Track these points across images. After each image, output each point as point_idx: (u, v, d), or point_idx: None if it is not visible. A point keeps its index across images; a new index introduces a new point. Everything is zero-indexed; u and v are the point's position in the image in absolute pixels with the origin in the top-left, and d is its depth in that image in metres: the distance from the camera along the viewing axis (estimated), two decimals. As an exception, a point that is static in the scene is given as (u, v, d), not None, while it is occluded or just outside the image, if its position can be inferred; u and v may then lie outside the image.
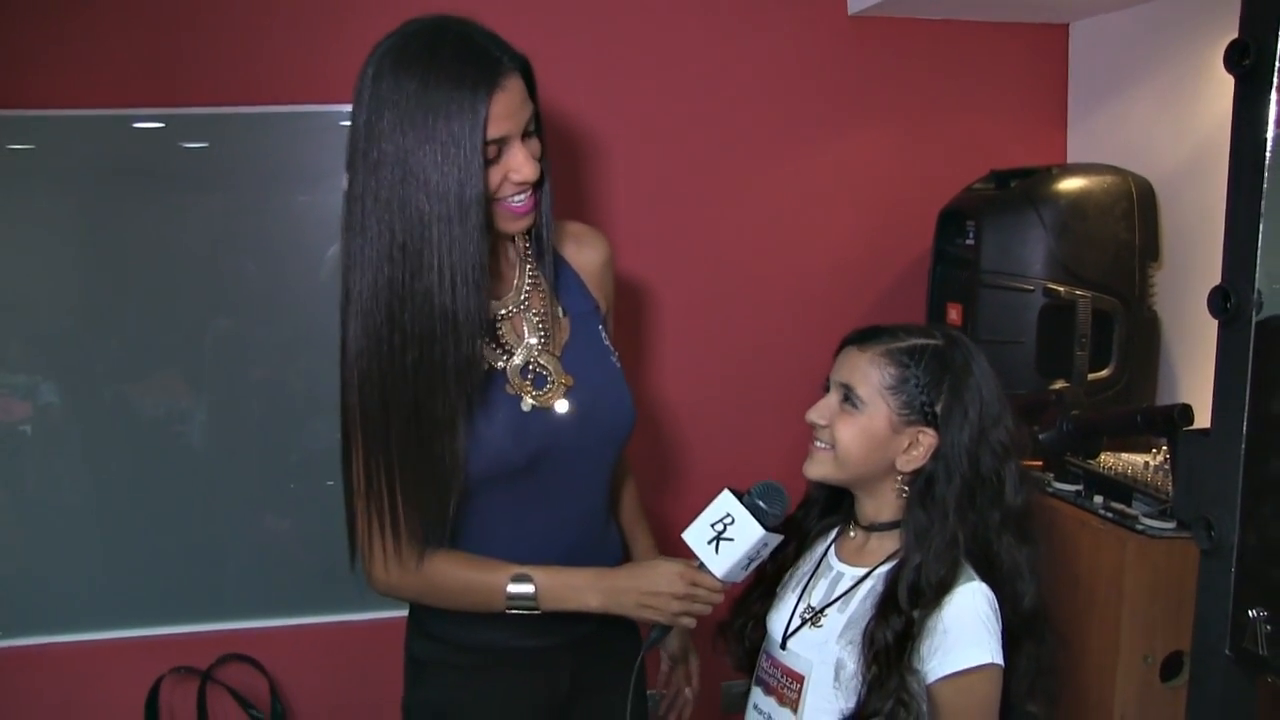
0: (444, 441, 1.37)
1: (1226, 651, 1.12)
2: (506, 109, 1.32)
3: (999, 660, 1.32)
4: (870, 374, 1.39)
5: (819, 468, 1.43)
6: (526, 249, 1.50)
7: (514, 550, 1.45)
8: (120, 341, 2.26)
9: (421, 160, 1.29)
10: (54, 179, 2.19)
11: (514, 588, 1.40)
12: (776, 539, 1.40)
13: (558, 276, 1.53)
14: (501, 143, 1.33)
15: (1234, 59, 1.03)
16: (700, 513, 1.40)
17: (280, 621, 2.36)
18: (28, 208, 2.19)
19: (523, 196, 1.39)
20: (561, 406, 1.46)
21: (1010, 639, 1.37)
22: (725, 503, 1.39)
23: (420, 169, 1.29)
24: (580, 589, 1.42)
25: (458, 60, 1.30)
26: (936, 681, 1.32)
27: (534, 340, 1.47)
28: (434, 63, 1.30)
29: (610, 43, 2.32)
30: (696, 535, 1.39)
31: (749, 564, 1.40)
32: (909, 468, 1.39)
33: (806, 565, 1.52)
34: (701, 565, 1.39)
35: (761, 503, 1.37)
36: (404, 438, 1.36)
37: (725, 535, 1.37)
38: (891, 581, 1.36)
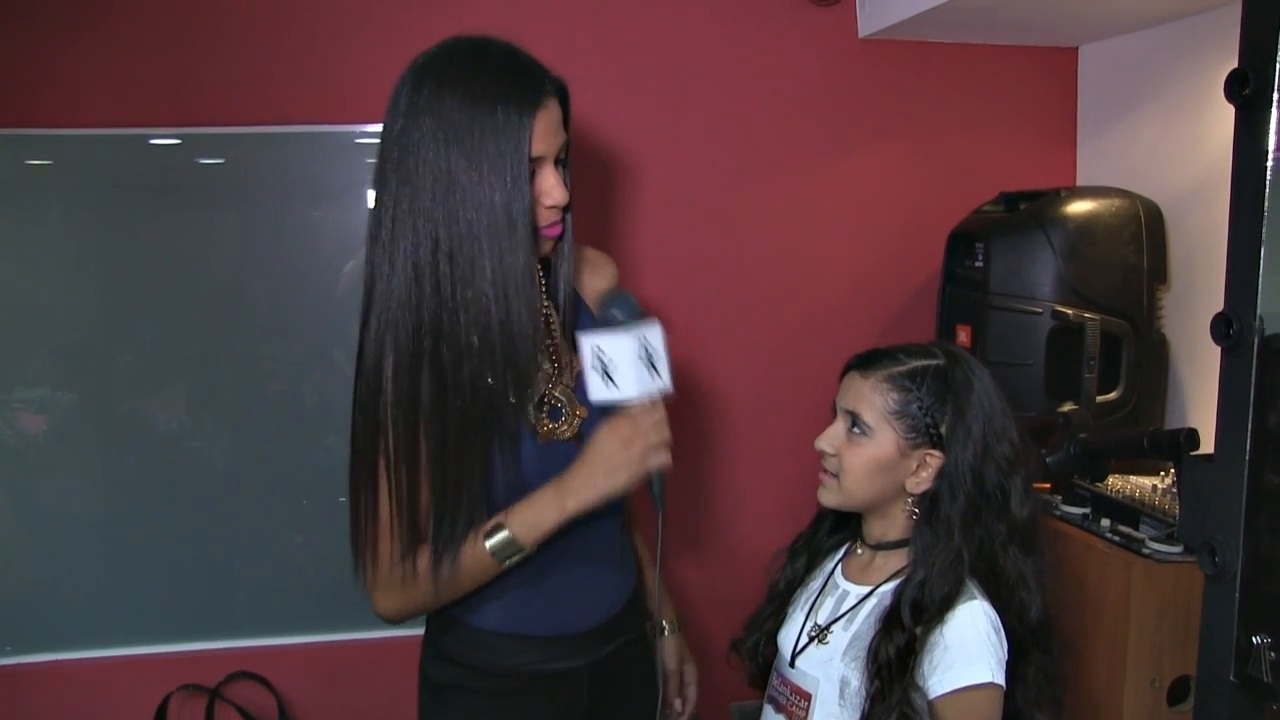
0: (476, 463, 1.35)
1: (1231, 678, 1.11)
2: (545, 129, 1.32)
3: (999, 680, 1.33)
4: (875, 400, 1.40)
5: (829, 495, 1.45)
6: (541, 279, 1.48)
7: (533, 581, 1.45)
8: (134, 357, 2.28)
9: (465, 171, 1.28)
10: (71, 195, 2.21)
11: (491, 541, 1.36)
12: (649, 327, 1.35)
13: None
14: (536, 163, 1.33)
15: (1234, 89, 1.03)
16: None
17: (290, 639, 2.36)
18: (45, 224, 2.21)
19: (552, 220, 1.38)
20: (576, 439, 1.44)
21: (1018, 650, 1.38)
22: (586, 343, 1.34)
23: (465, 179, 1.28)
24: (549, 507, 1.37)
25: (504, 75, 1.30)
26: (936, 698, 1.33)
27: (548, 369, 1.46)
28: (479, 76, 1.30)
29: (619, 64, 2.33)
30: (595, 390, 1.35)
31: (652, 367, 1.35)
32: (918, 489, 1.40)
33: (815, 582, 1.53)
34: (619, 404, 1.35)
35: (614, 314, 1.34)
36: (434, 456, 1.35)
37: (608, 367, 1.33)
38: (896, 597, 1.37)
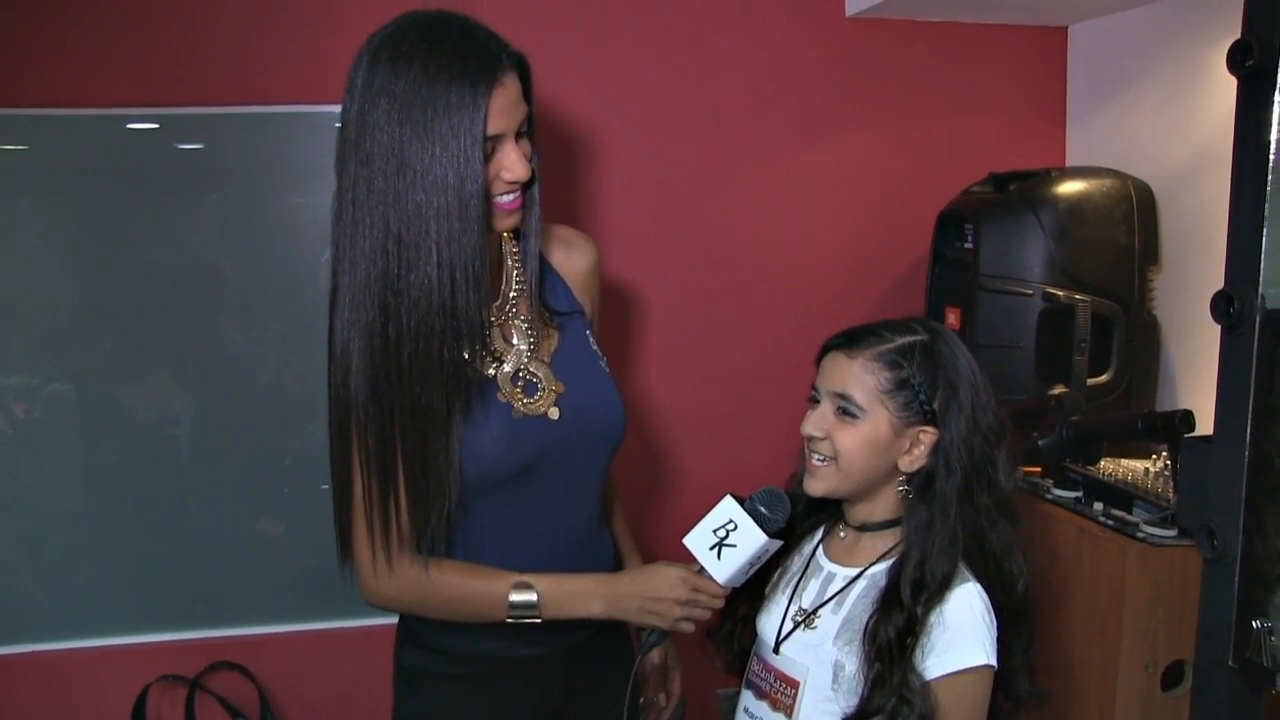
0: (438, 441, 1.35)
1: (1230, 663, 1.10)
2: (503, 106, 1.31)
3: (993, 662, 1.32)
4: (865, 379, 1.36)
5: (823, 483, 1.40)
6: (514, 253, 1.47)
7: (508, 559, 1.43)
8: (113, 344, 2.24)
9: (419, 152, 1.27)
10: (47, 180, 2.17)
11: (516, 596, 1.39)
12: (778, 544, 1.39)
13: (544, 281, 1.51)
14: (495, 140, 1.32)
15: (1237, 60, 1.01)
16: (701, 518, 1.39)
17: (271, 629, 2.34)
18: (20, 209, 2.16)
19: (511, 195, 1.37)
20: (553, 413, 1.44)
21: (1006, 621, 1.36)
22: (728, 509, 1.37)
23: (417, 161, 1.27)
24: (583, 596, 1.41)
25: (459, 53, 1.29)
26: (934, 680, 1.30)
27: (523, 347, 1.45)
28: (434, 54, 1.28)
29: (606, 42, 2.30)
30: (698, 541, 1.38)
31: (750, 569, 1.39)
32: (913, 468, 1.37)
33: (795, 565, 1.50)
34: (702, 570, 1.38)
35: (764, 509, 1.36)
36: (397, 437, 1.35)
37: (727, 541, 1.36)
38: (893, 578, 1.35)
